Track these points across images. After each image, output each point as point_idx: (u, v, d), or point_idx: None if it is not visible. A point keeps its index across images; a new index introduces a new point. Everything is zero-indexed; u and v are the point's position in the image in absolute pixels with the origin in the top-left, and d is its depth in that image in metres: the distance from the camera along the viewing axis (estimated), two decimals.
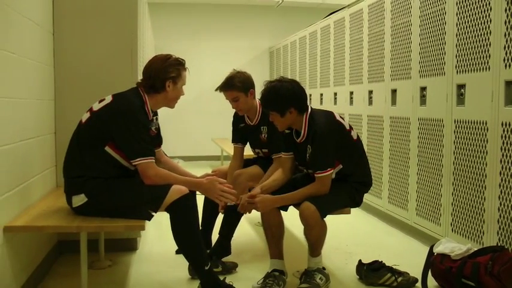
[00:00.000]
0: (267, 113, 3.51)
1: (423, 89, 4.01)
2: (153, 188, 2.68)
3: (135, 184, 2.71)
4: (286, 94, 2.90)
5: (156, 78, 2.80)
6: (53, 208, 2.90)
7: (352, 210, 3.17)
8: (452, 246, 2.97)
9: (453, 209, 3.61)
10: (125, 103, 2.71)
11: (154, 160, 2.71)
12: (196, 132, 9.63)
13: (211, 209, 3.68)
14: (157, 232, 4.29)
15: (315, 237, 2.94)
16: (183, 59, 2.90)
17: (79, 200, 2.69)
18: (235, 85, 3.47)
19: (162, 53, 2.92)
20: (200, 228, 3.47)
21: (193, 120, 9.61)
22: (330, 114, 3.05)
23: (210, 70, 9.13)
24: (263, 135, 3.61)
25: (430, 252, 3.03)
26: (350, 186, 3.06)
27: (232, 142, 3.85)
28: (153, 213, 2.67)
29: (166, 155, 3.22)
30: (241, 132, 3.76)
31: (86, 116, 2.77)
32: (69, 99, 3.57)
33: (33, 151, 3.05)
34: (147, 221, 2.69)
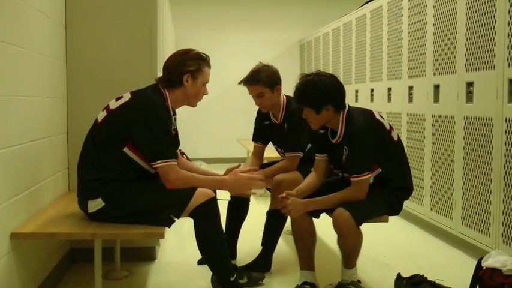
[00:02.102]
0: (291, 110, 3.50)
1: (470, 84, 3.92)
2: (176, 190, 2.68)
3: (156, 187, 2.71)
4: (324, 89, 2.89)
5: (173, 71, 2.81)
6: (65, 213, 2.92)
7: (391, 218, 3.14)
8: (503, 259, 2.89)
9: (504, 218, 3.52)
10: (145, 101, 2.72)
11: (176, 162, 2.72)
12: (219, 133, 9.64)
13: (236, 215, 3.68)
14: (177, 240, 4.30)
15: (350, 247, 2.91)
16: (206, 55, 2.90)
17: (95, 205, 2.70)
18: (261, 80, 3.46)
19: (184, 48, 2.93)
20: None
21: (216, 119, 9.64)
22: (368, 113, 3.03)
23: (235, 65, 9.12)
24: None
25: (478, 266, 2.96)
26: (389, 192, 3.03)
27: (253, 140, 3.87)
28: (175, 219, 2.67)
29: (187, 156, 3.22)
30: (265, 130, 3.77)
31: (102, 115, 2.78)
32: (82, 97, 3.59)
33: (43, 152, 3.07)
34: (166, 229, 2.69)
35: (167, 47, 5.25)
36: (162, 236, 2.64)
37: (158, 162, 2.66)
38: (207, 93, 2.91)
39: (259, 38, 9.69)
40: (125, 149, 2.70)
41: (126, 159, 2.71)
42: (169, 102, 2.80)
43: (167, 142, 2.69)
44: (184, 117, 9.26)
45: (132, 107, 2.71)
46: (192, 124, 9.13)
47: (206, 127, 9.57)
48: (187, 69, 2.80)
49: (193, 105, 2.91)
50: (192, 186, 2.71)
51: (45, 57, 3.12)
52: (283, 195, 2.98)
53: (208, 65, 2.89)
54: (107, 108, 2.80)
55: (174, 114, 2.96)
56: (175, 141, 3.06)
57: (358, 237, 2.90)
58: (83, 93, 3.60)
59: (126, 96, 2.78)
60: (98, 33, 3.62)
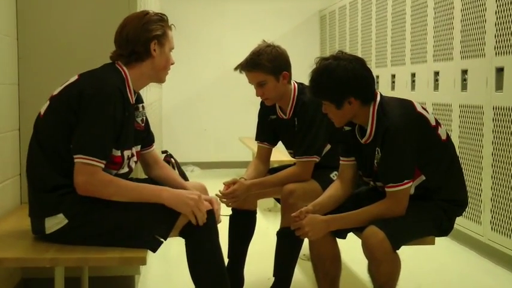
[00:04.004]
0: (302, 102, 3.50)
1: None
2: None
3: None
4: (343, 78, 2.90)
5: (136, 41, 2.80)
6: (16, 232, 2.90)
7: (438, 239, 3.13)
8: None
9: None
10: (93, 83, 2.70)
11: (99, 165, 2.63)
12: (218, 130, 9.66)
13: (240, 232, 3.72)
14: (163, 267, 4.30)
15: (384, 276, 2.89)
16: (164, 14, 2.92)
17: (56, 222, 2.67)
18: (262, 64, 3.47)
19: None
20: (227, 260, 3.48)
21: (213, 112, 9.66)
22: (408, 105, 3.04)
23: (237, 44, 9.08)
24: None
25: None
26: (436, 206, 3.02)
27: (257, 140, 3.88)
28: (162, 239, 2.66)
29: (175, 160, 3.20)
30: (270, 126, 3.79)
31: (45, 106, 2.79)
32: (39, 84, 3.58)
33: None
34: (149, 252, 2.67)
35: None
36: (143, 261, 2.62)
37: (76, 156, 2.62)
38: (173, 63, 2.94)
39: (267, 7, 9.70)
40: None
41: None
42: (130, 83, 2.80)
43: (101, 136, 2.64)
44: (173, 111, 9.27)
45: (76, 89, 2.69)
46: (183, 119, 9.14)
47: (200, 123, 9.58)
48: (153, 35, 2.81)
49: (163, 79, 2.95)
50: (110, 195, 2.65)
51: None
52: (297, 214, 2.97)
53: (170, 27, 2.92)
54: (50, 97, 2.80)
55: (140, 101, 2.96)
56: (147, 137, 3.05)
57: (395, 264, 2.88)
58: (40, 78, 3.59)
59: (72, 79, 2.79)
60: (60, 1, 3.62)
